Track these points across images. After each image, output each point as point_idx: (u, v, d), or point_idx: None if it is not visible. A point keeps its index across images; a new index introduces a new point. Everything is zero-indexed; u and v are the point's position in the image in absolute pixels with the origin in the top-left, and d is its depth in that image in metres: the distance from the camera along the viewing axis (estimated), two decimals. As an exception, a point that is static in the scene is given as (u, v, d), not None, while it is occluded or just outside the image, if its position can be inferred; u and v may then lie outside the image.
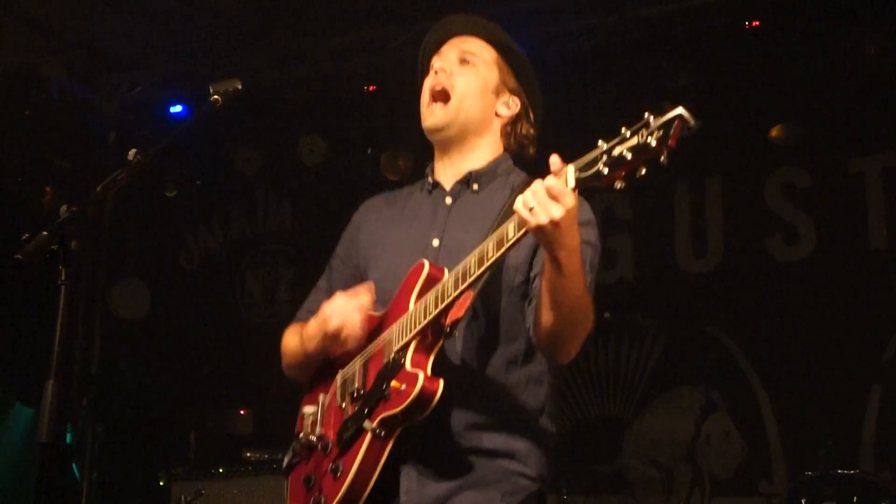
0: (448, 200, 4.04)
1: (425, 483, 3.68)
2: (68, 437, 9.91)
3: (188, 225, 11.02)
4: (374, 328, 3.84)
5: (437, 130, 4.10)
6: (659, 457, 9.06)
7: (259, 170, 10.37)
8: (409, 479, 3.69)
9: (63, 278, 3.60)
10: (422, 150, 10.38)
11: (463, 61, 4.13)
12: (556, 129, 9.75)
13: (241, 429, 9.60)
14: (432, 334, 3.63)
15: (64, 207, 3.63)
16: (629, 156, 3.07)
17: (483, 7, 9.00)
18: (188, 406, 9.92)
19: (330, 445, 3.81)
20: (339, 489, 3.64)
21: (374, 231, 4.20)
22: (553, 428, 3.86)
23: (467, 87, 4.06)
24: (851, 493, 7.12)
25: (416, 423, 3.57)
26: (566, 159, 3.29)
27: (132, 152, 3.90)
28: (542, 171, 3.35)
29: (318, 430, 3.91)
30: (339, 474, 3.67)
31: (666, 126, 3.05)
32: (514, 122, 4.12)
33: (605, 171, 3.13)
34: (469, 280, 3.49)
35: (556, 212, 3.23)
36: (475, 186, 4.02)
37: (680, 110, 3.07)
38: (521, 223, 3.30)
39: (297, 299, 10.91)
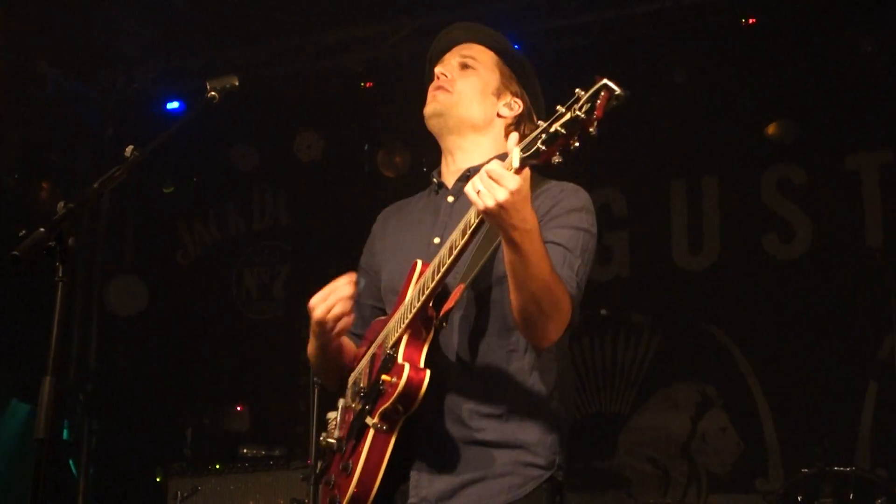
0: (450, 199, 4.14)
1: (434, 478, 3.77)
2: (65, 433, 9.92)
3: (185, 221, 11.02)
4: (383, 328, 3.93)
5: (436, 115, 4.20)
6: (655, 454, 9.07)
7: (256, 166, 10.37)
8: (418, 473, 3.78)
9: (60, 275, 3.60)
10: (418, 146, 10.42)
11: (464, 66, 4.23)
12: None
13: (237, 425, 9.61)
14: (424, 327, 3.72)
15: (61, 204, 3.63)
16: (563, 130, 3.19)
17: (479, 4, 9.03)
18: (185, 402, 9.93)
19: (344, 446, 3.90)
20: (349, 485, 3.71)
21: (387, 237, 4.33)
22: (564, 413, 3.91)
23: (467, 86, 4.16)
24: (847, 490, 7.12)
25: (415, 413, 3.65)
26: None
27: (129, 149, 3.90)
28: (544, 170, 3.46)
29: (336, 432, 4.00)
30: (349, 471, 3.74)
31: (593, 97, 3.17)
32: (516, 123, 4.17)
33: (543, 147, 3.23)
34: (443, 269, 3.58)
35: (500, 194, 3.33)
36: None
37: (605, 81, 3.18)
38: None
39: (293, 295, 10.95)
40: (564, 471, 3.89)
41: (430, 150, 10.34)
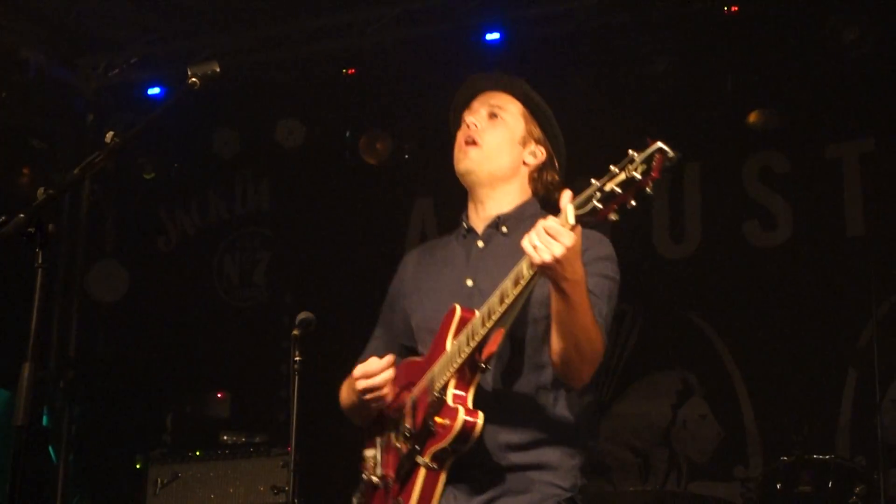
0: (480, 244, 4.37)
1: (462, 501, 4.03)
2: (45, 420, 9.90)
3: (166, 207, 10.99)
4: (420, 370, 4.18)
5: (470, 173, 4.40)
6: (635, 441, 9.08)
7: (237, 153, 10.34)
8: (448, 499, 4.03)
9: (40, 261, 3.59)
10: (400, 133, 10.41)
11: (492, 115, 4.43)
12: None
13: (218, 412, 9.59)
14: (469, 370, 3.97)
15: (41, 189, 3.63)
16: (619, 190, 3.47)
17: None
18: (165, 389, 9.91)
19: (391, 483, 4.15)
20: None
21: (415, 279, 4.54)
22: (588, 445, 4.21)
23: (496, 138, 4.37)
24: (827, 478, 7.14)
25: (465, 452, 3.93)
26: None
27: (109, 134, 3.89)
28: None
29: (378, 470, 4.27)
30: None
31: (648, 160, 3.44)
32: (540, 169, 4.43)
33: (600, 206, 3.51)
34: (494, 318, 3.83)
35: (557, 249, 3.60)
36: (504, 229, 4.33)
37: (659, 144, 3.45)
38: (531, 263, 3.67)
39: (274, 282, 10.95)
40: (583, 494, 4.15)
41: (411, 138, 10.38)
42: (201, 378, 10.14)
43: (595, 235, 4.14)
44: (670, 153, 3.44)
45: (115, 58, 10.37)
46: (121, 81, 10.38)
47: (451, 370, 3.95)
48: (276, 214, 10.76)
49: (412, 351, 4.39)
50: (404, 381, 4.23)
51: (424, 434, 3.98)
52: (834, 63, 8.65)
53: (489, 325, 3.84)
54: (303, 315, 5.71)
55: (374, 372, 4.21)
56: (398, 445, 4.15)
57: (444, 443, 3.90)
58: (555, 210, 3.74)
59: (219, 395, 9.60)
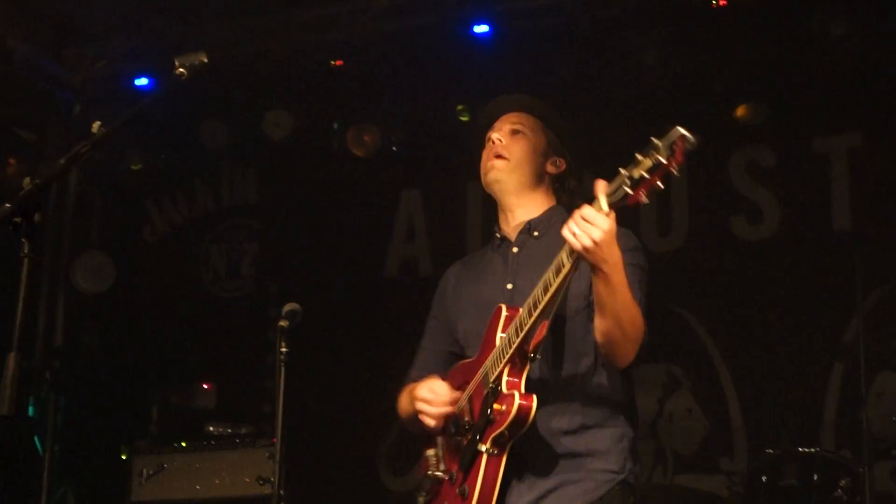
0: (514, 249, 4.69)
1: (523, 489, 4.33)
2: (31, 410, 9.88)
3: (153, 198, 10.98)
4: (472, 369, 4.49)
5: (498, 181, 4.73)
6: (622, 434, 9.09)
7: (224, 144, 10.32)
8: (513, 487, 4.33)
9: (26, 251, 3.59)
10: (388, 125, 10.39)
11: (514, 132, 4.78)
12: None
13: (204, 403, 9.59)
14: (519, 360, 4.27)
15: (27, 180, 3.62)
16: (646, 175, 3.77)
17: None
18: (151, 380, 9.89)
19: (455, 475, 4.43)
20: None
21: (457, 290, 4.89)
22: (631, 427, 4.51)
23: (520, 151, 4.73)
24: (812, 470, 7.17)
25: (518, 437, 4.21)
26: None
27: (96, 125, 3.89)
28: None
29: (442, 465, 4.54)
30: (466, 495, 4.30)
31: (670, 145, 3.73)
32: (562, 178, 4.79)
33: (630, 191, 3.81)
34: (539, 307, 4.11)
35: (595, 233, 3.91)
36: (536, 233, 4.68)
37: (679, 129, 3.75)
38: (572, 248, 3.97)
39: (261, 274, 10.93)
40: (636, 473, 4.46)
41: (399, 130, 10.37)
42: (187, 369, 10.13)
43: (620, 230, 4.28)
44: (690, 137, 3.73)
45: (103, 48, 10.34)
46: (108, 72, 10.34)
47: (503, 361, 4.25)
48: (263, 206, 10.75)
49: (460, 357, 4.71)
50: (460, 380, 4.54)
51: (483, 423, 4.26)
52: (821, 57, 8.65)
53: (535, 314, 4.12)
54: (289, 306, 5.71)
55: (438, 403, 4.50)
56: (459, 439, 4.43)
57: (502, 427, 4.17)
58: None
59: (205, 387, 9.59)
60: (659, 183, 3.78)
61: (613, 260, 4.03)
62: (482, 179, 4.81)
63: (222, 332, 10.40)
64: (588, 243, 3.91)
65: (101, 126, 3.88)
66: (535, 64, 9.17)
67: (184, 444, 8.86)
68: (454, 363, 4.72)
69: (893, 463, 7.40)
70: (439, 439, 4.59)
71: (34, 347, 10.14)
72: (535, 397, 4.18)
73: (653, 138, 3.77)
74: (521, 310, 4.24)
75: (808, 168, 8.91)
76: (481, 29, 9.20)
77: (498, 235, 4.82)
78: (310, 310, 5.77)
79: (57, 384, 10.09)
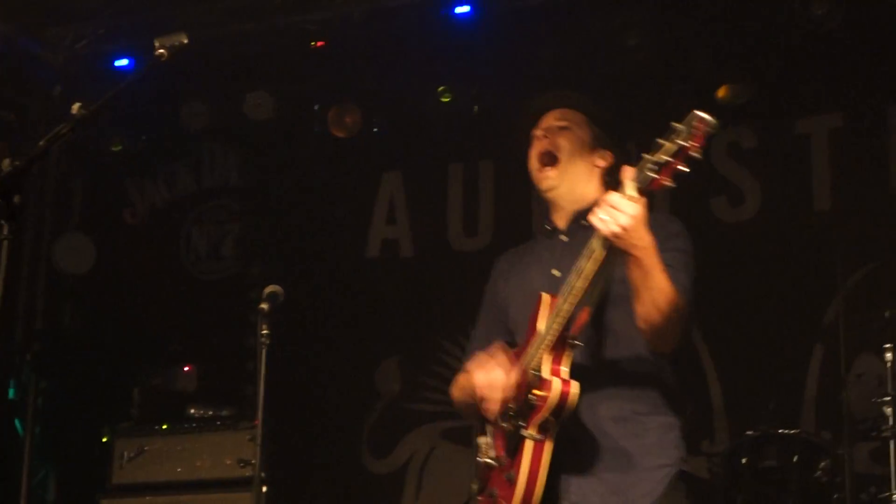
0: (564, 238, 4.77)
1: (580, 482, 4.39)
2: (11, 393, 9.86)
3: (133, 180, 10.94)
4: (517, 357, 4.49)
5: (552, 189, 4.80)
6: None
7: (205, 125, 10.28)
8: (566, 479, 4.40)
9: (6, 233, 3.58)
10: (369, 107, 10.37)
11: (561, 128, 4.84)
12: (507, 87, 9.76)
13: (185, 385, 9.57)
14: (560, 346, 4.31)
15: (7, 161, 3.61)
16: (670, 159, 3.89)
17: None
18: (132, 362, 9.87)
19: (503, 461, 4.46)
20: (514, 491, 4.30)
21: (509, 278, 4.92)
22: (678, 415, 4.57)
23: (569, 146, 4.79)
24: (792, 452, 7.18)
25: (564, 420, 4.26)
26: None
27: (76, 106, 3.88)
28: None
29: (492, 452, 4.56)
30: (513, 480, 4.32)
31: (689, 128, 3.87)
32: (610, 171, 4.80)
33: (655, 176, 3.92)
34: (574, 293, 4.19)
35: (622, 219, 3.98)
36: (584, 222, 4.55)
37: (697, 113, 3.89)
38: (602, 234, 4.05)
39: (242, 256, 10.91)
40: (686, 459, 4.53)
41: (380, 112, 10.35)
42: (168, 351, 10.11)
43: (663, 215, 4.55)
44: (709, 119, 3.86)
45: (83, 29, 10.29)
46: (89, 53, 10.30)
47: (544, 348, 4.30)
48: (244, 187, 10.73)
49: (512, 345, 4.67)
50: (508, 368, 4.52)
51: (526, 409, 4.30)
52: (803, 38, 8.65)
53: (573, 299, 4.19)
54: (270, 289, 5.71)
55: (497, 387, 4.46)
56: (504, 426, 4.46)
57: (543, 412, 4.23)
58: None
59: (186, 369, 9.57)
60: (682, 166, 3.88)
61: (644, 244, 4.10)
62: (536, 186, 4.86)
63: (203, 314, 10.38)
64: (616, 229, 3.99)
65: (81, 107, 3.87)
66: (516, 45, 9.17)
67: (165, 427, 8.85)
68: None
69: (873, 444, 7.40)
70: (489, 427, 4.63)
71: (14, 329, 10.12)
72: (575, 383, 4.24)
73: (672, 123, 3.90)
74: (559, 298, 4.29)
75: (789, 149, 8.91)
76: (463, 10, 9.19)
77: (548, 227, 4.89)
78: (291, 291, 5.77)
79: (37, 366, 10.07)
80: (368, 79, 9.80)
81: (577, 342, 4.32)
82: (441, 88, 9.61)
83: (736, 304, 8.69)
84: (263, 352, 5.62)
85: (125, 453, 8.75)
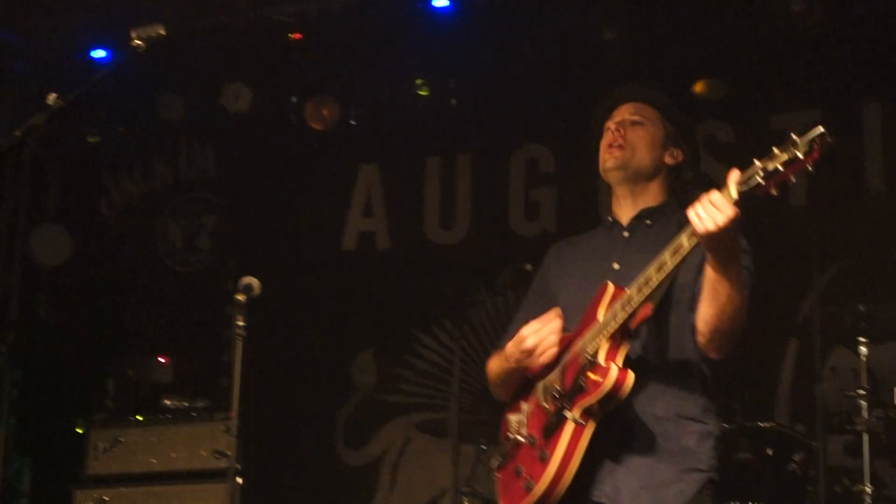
0: (625, 234, 4.72)
1: (615, 478, 4.33)
2: (-14, 384, 9.85)
3: (110, 171, 10.92)
4: (567, 343, 4.46)
5: (614, 169, 4.74)
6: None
7: (182, 117, 10.26)
8: (602, 472, 4.34)
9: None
10: (346, 99, 10.35)
11: (634, 122, 4.79)
12: (485, 80, 9.76)
13: (160, 377, 9.55)
14: (620, 337, 4.27)
15: (-19, 152, 3.60)
16: (781, 168, 3.91)
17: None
18: (107, 353, 9.85)
19: (536, 440, 4.41)
20: (545, 470, 4.26)
21: (562, 266, 4.88)
22: (717, 423, 4.55)
23: (639, 140, 4.74)
24: (766, 445, 7.20)
25: (608, 412, 4.22)
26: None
27: (52, 97, 3.88)
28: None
29: (524, 430, 4.52)
30: (545, 459, 4.27)
31: (810, 142, 3.86)
32: (679, 169, 4.83)
33: (762, 182, 3.95)
34: (651, 285, 4.15)
35: (720, 219, 3.99)
36: (648, 221, 4.70)
37: (821, 128, 3.86)
38: (693, 231, 4.02)
39: (219, 248, 10.90)
40: (717, 472, 4.49)
41: (358, 104, 10.32)
42: (144, 343, 10.12)
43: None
44: (829, 139, 3.83)
45: (59, 20, 10.27)
46: (65, 44, 10.27)
47: (604, 335, 4.25)
48: (220, 179, 10.72)
49: None
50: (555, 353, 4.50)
51: (574, 392, 4.26)
52: (781, 34, 8.68)
53: (646, 291, 4.15)
54: (246, 280, 5.72)
55: (543, 323, 4.47)
56: (546, 406, 4.42)
57: (593, 397, 4.17)
58: None
59: (161, 360, 9.55)
60: (792, 177, 3.90)
61: (732, 250, 4.12)
62: (600, 167, 4.81)
63: (179, 305, 10.37)
64: (712, 227, 3.98)
65: (57, 98, 3.86)
66: (494, 38, 9.17)
67: (140, 418, 8.83)
68: None
69: (847, 437, 7.43)
70: (524, 405, 4.59)
71: (-11, 320, 10.10)
72: (631, 373, 4.19)
73: (792, 134, 3.88)
74: (629, 288, 4.25)
75: (765, 144, 8.91)
76: (441, 2, 9.18)
77: (610, 219, 4.84)
78: (267, 283, 5.77)
79: (12, 357, 10.04)
80: (346, 71, 9.80)
81: (637, 335, 4.30)
82: (419, 81, 9.62)
83: (711, 297, 8.69)
84: (239, 343, 5.63)
85: (100, 444, 8.73)
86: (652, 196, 4.75)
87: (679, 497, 4.34)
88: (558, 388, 4.37)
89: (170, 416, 8.77)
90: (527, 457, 4.43)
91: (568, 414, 4.25)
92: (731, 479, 7.18)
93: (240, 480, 6.47)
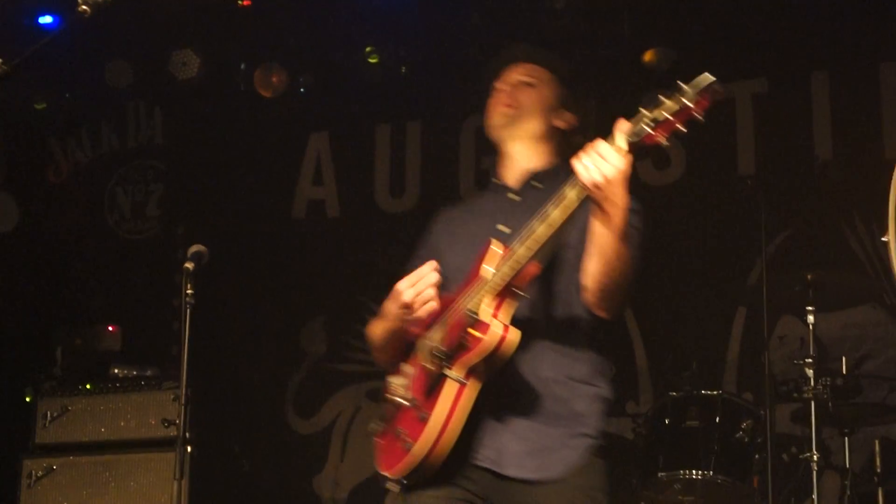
0: (515, 196, 4.58)
1: (497, 440, 4.22)
2: (-69, 354, 9.78)
3: (57, 138, 10.84)
4: (452, 300, 4.29)
5: (502, 126, 4.67)
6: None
7: (129, 84, 10.19)
8: (484, 434, 4.22)
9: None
10: (295, 67, 10.30)
11: (524, 83, 4.72)
12: (435, 48, 9.73)
13: (109, 345, 9.51)
14: (504, 294, 4.11)
15: (-73, 118, 3.57)
16: (670, 117, 3.82)
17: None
18: (55, 322, 9.80)
19: (417, 401, 4.25)
20: (424, 429, 4.12)
21: (446, 229, 4.74)
22: (608, 387, 4.45)
23: (528, 101, 4.66)
24: (714, 413, 7.24)
25: (493, 371, 4.10)
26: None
27: (-4, 62, 3.83)
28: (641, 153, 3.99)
29: (409, 393, 4.34)
30: (424, 419, 4.14)
31: (697, 90, 3.87)
32: (569, 133, 4.71)
33: (651, 132, 3.84)
34: (534, 238, 4.01)
35: (607, 169, 3.86)
36: (538, 184, 4.55)
37: (709, 77, 3.88)
38: (579, 183, 3.90)
39: (166, 215, 10.84)
40: (605, 436, 4.38)
41: (307, 71, 10.28)
42: (92, 311, 10.06)
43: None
44: (719, 87, 3.85)
45: (5, -15, 10.18)
46: (11, 9, 10.17)
47: (489, 292, 4.09)
48: (169, 147, 10.66)
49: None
50: (437, 312, 4.31)
51: (456, 349, 4.11)
52: (729, 3, 8.71)
53: (534, 248, 4.01)
54: (195, 248, 5.68)
55: (418, 276, 4.28)
56: (428, 366, 4.25)
57: (475, 354, 4.04)
58: None
59: (110, 329, 9.50)
60: (681, 126, 3.84)
61: (620, 202, 3.94)
62: (487, 124, 4.73)
63: (128, 273, 10.33)
64: (598, 178, 3.86)
65: (3, 63, 3.83)
66: (444, 5, 9.15)
67: (88, 387, 8.79)
68: None
69: (794, 405, 7.49)
70: (407, 367, 4.43)
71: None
72: (516, 331, 4.05)
73: (679, 82, 3.82)
74: (514, 244, 4.10)
75: (713, 113, 8.95)
76: (391, -31, 9.16)
77: (495, 181, 4.72)
78: (216, 251, 5.74)
79: (-42, 326, 9.99)
80: (295, 38, 9.75)
81: (522, 293, 4.14)
82: (368, 49, 9.59)
83: (660, 266, 8.74)
84: (188, 312, 5.59)
85: (48, 413, 8.69)
86: (541, 159, 4.63)
87: (563, 463, 4.23)
88: (440, 346, 4.21)
89: (119, 385, 8.74)
90: (408, 418, 4.28)
91: (449, 372, 4.12)
92: (680, 446, 7.25)
93: (189, 449, 6.47)
